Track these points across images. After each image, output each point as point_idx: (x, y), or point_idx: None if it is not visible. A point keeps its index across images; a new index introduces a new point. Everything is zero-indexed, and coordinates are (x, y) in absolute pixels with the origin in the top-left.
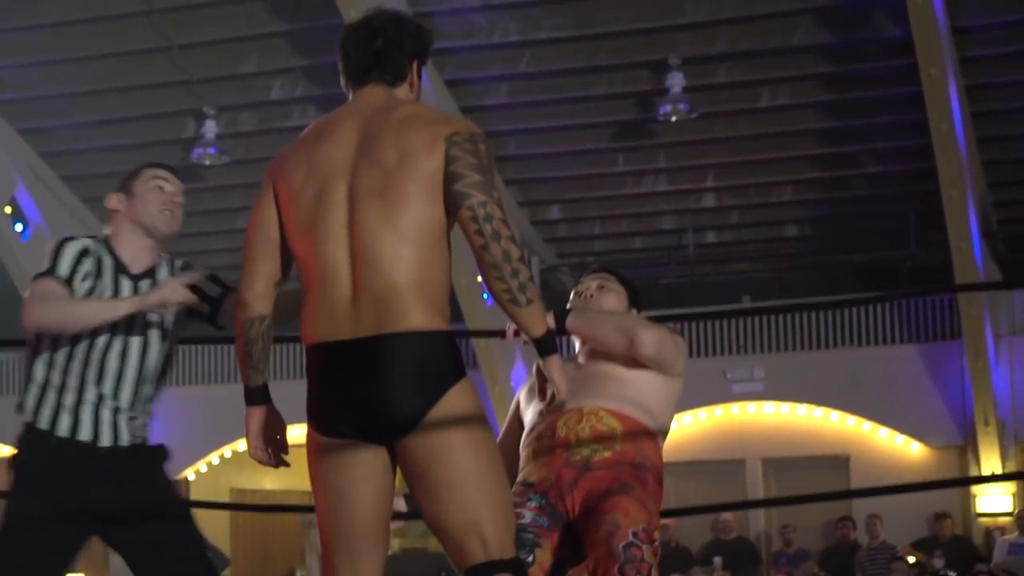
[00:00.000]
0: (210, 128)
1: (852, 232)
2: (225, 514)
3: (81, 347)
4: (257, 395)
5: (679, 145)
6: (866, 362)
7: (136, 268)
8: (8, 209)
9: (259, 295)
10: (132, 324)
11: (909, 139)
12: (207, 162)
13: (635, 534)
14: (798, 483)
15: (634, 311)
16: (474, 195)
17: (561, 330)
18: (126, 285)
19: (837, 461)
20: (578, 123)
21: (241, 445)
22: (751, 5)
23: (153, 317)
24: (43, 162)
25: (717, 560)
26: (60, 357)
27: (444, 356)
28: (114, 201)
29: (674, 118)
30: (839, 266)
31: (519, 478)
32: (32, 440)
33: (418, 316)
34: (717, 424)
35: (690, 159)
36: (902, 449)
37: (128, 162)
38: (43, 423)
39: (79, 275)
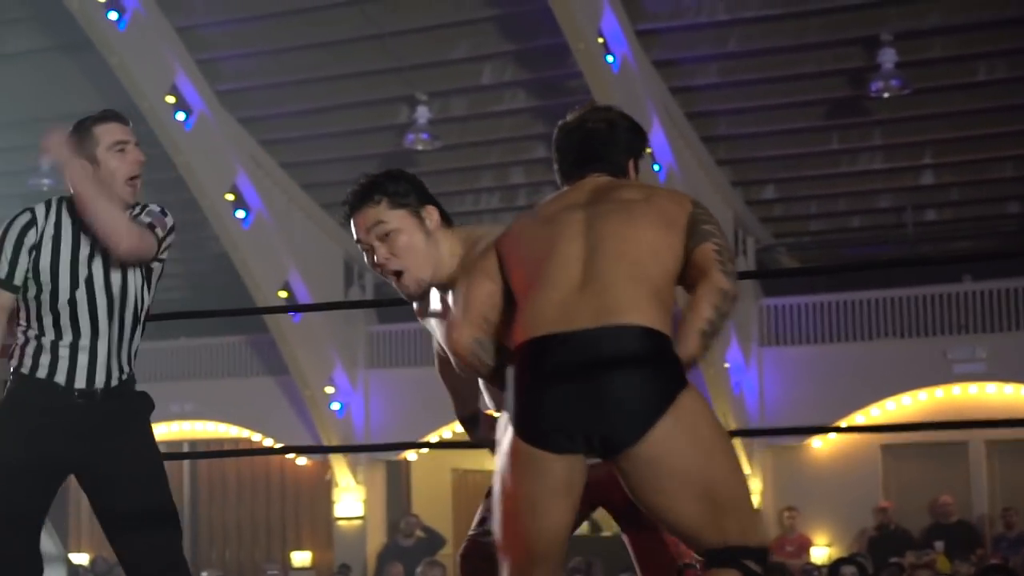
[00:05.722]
0: (422, 114)
1: None
2: (447, 496)
3: (53, 295)
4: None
5: (894, 122)
6: None
7: None
8: (230, 196)
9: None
10: (108, 267)
11: None
12: (420, 147)
13: None
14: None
15: (433, 211)
16: (716, 235)
17: None
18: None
19: None
20: (789, 102)
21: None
22: None
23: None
24: (263, 150)
25: (939, 545)
26: (34, 307)
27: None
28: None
29: (886, 94)
30: None
31: None
32: (10, 385)
33: (650, 314)
34: (938, 405)
35: (906, 136)
36: None
37: (342, 150)
38: (25, 367)
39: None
